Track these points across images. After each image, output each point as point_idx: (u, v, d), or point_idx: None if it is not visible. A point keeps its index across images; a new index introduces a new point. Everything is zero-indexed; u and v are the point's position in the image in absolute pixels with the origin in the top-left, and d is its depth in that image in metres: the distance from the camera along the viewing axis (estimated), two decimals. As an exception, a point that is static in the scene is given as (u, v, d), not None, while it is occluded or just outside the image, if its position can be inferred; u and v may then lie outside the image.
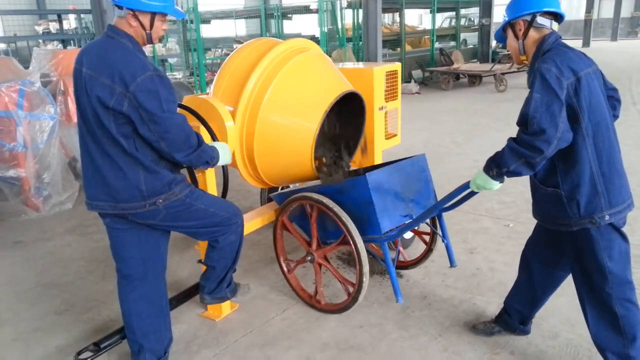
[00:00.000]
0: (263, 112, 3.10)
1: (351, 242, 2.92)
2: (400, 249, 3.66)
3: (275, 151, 3.19)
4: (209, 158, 2.55)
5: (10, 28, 13.66)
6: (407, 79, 14.08)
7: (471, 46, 18.79)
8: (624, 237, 2.30)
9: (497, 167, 2.28)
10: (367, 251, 3.16)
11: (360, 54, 13.18)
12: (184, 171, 2.70)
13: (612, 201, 2.22)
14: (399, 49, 14.64)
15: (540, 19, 2.32)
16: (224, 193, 3.01)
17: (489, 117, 9.31)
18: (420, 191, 3.22)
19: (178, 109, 2.77)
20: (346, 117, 3.62)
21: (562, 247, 2.46)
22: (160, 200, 2.44)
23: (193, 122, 2.84)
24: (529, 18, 2.33)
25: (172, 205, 2.49)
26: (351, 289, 3.06)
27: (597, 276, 2.29)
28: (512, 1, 2.40)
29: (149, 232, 2.60)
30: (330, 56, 12.95)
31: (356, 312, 3.21)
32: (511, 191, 5.36)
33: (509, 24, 2.41)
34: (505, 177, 2.30)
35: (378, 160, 4.14)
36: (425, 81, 14.63)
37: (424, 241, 3.56)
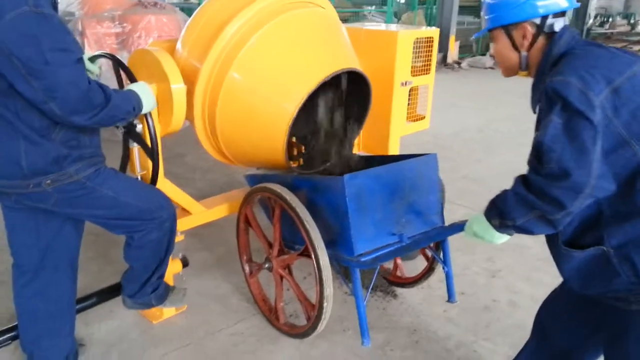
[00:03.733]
0: (232, 74, 2.41)
1: (312, 256, 2.25)
2: (399, 261, 2.94)
3: (240, 128, 2.52)
4: (125, 112, 1.98)
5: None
6: (482, 51, 12.79)
7: (565, 21, 16.88)
8: None
9: (499, 215, 1.52)
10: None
11: (433, 19, 12.05)
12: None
13: None
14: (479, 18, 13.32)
15: (554, 21, 1.58)
16: (154, 175, 2.38)
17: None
18: (421, 204, 2.46)
19: (96, 58, 2.18)
20: (353, 97, 2.85)
21: (599, 320, 1.66)
22: (48, 182, 1.86)
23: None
24: (538, 21, 1.58)
25: (65, 188, 1.91)
26: (311, 313, 2.40)
27: None
28: None
29: (48, 216, 2.05)
30: (399, 19, 11.93)
31: (322, 339, 2.55)
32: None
33: (503, 28, 1.64)
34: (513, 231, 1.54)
35: (394, 149, 3.38)
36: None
37: (425, 256, 2.82)
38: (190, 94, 2.44)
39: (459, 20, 12.02)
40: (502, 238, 1.57)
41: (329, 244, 2.28)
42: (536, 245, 3.63)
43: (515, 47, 1.64)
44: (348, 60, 2.58)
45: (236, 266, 3.21)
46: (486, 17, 1.69)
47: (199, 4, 8.58)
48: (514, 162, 5.33)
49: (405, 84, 3.27)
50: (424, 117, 3.61)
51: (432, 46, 3.41)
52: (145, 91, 2.12)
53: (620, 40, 12.12)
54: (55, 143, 1.85)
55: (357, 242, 2.23)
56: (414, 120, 3.54)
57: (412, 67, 3.29)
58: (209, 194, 4.41)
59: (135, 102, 2.02)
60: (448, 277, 2.56)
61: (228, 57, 2.42)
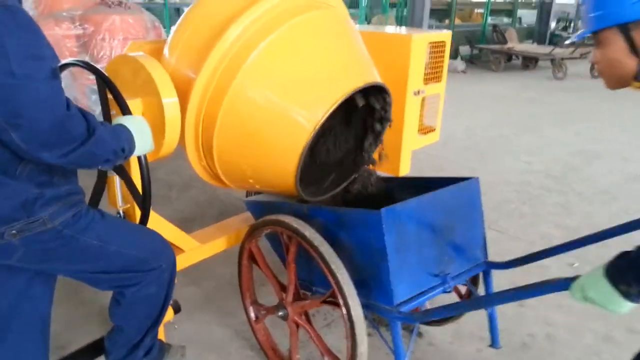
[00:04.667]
0: (236, 86, 1.99)
1: (342, 305, 1.85)
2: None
3: (244, 149, 2.09)
4: (112, 152, 1.48)
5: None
6: (452, 55, 12.66)
7: (526, 25, 17.06)
8: None
9: (636, 279, 1.18)
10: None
11: (403, 22, 11.83)
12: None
13: None
14: (447, 21, 13.19)
15: None
16: (143, 216, 1.92)
17: (544, 109, 7.97)
18: (464, 237, 2.11)
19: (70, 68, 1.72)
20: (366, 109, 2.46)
21: None
22: (13, 232, 1.41)
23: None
24: None
25: (36, 239, 1.45)
26: (339, 372, 2.00)
27: None
28: None
29: (12, 273, 1.58)
30: (369, 22, 11.65)
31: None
32: (575, 210, 4.18)
33: (619, 28, 1.29)
34: None
35: (405, 166, 3.02)
36: (473, 59, 13.16)
37: (458, 294, 2.47)
38: (181, 109, 2.01)
39: (429, 24, 11.85)
40: (628, 306, 1.23)
41: (359, 290, 1.89)
42: (555, 265, 3.35)
43: (635, 51, 1.30)
44: (371, 71, 2.20)
45: (230, 304, 2.79)
46: (592, 15, 1.34)
47: (164, 4, 8.03)
48: (510, 170, 5.09)
49: (418, 92, 2.92)
50: (434, 129, 3.27)
51: (444, 51, 3.07)
52: (140, 128, 1.65)
53: (582, 44, 12.20)
54: (21, 181, 1.39)
55: (397, 288, 1.85)
56: (425, 133, 3.19)
57: (425, 74, 2.94)
58: (191, 217, 3.97)
59: (126, 141, 1.55)
60: (492, 319, 2.21)
61: (232, 64, 1.98)
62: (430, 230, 1.98)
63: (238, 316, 2.61)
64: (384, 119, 2.35)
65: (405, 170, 3.05)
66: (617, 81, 1.39)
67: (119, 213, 2.01)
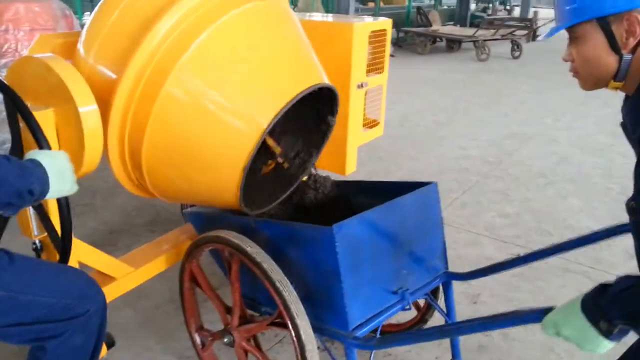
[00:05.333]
0: (169, 87, 1.71)
1: (290, 326, 1.67)
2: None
3: (178, 161, 1.83)
4: (15, 194, 1.17)
5: None
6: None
7: (447, 7, 17.41)
8: None
9: (620, 316, 1.05)
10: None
11: (330, 5, 11.66)
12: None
13: None
14: (371, 4, 13.17)
15: None
16: (64, 254, 1.62)
17: (471, 91, 8.09)
18: (422, 248, 1.97)
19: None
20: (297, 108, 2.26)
21: None
22: None
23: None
24: None
25: None
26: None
27: None
28: None
29: None
30: (295, 5, 11.38)
31: None
32: (514, 197, 4.21)
33: (598, 22, 1.18)
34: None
35: (351, 164, 2.86)
36: (399, 42, 13.24)
37: (417, 307, 2.35)
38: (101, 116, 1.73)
39: (355, 7, 11.77)
40: (606, 346, 1.10)
41: (310, 312, 1.71)
42: (501, 255, 3.33)
43: (615, 47, 1.18)
44: (318, 70, 1.99)
45: (173, 325, 2.54)
46: (567, 8, 1.21)
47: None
48: (447, 157, 5.08)
49: (362, 85, 2.75)
50: (379, 123, 3.12)
51: (385, 40, 2.92)
52: (59, 167, 1.31)
53: (502, 26, 12.58)
54: None
55: (352, 311, 1.68)
56: (370, 127, 3.04)
57: (368, 65, 2.78)
58: (119, 228, 3.60)
59: (37, 181, 1.23)
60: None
61: (162, 63, 1.71)
62: (387, 243, 1.82)
63: (183, 339, 2.36)
64: (331, 117, 2.16)
65: (351, 168, 2.90)
66: (594, 82, 1.28)
67: (34, 244, 1.71)
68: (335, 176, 2.55)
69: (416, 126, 6.19)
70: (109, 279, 1.95)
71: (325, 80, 1.98)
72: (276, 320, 1.77)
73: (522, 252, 3.37)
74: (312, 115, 2.18)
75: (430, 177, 4.51)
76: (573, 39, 1.25)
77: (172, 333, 2.48)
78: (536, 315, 1.24)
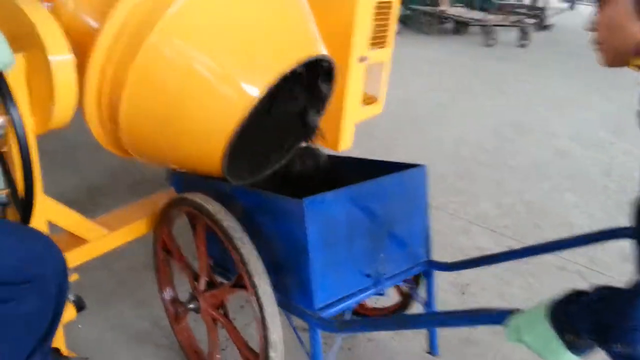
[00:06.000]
0: (152, 42, 1.58)
1: (248, 286, 1.58)
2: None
3: (159, 120, 1.70)
4: None
5: None
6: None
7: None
8: None
9: (590, 329, 0.95)
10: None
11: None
12: None
13: None
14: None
15: None
16: (25, 213, 1.49)
17: (476, 77, 7.94)
18: (404, 232, 1.88)
19: None
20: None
21: None
22: None
23: None
24: None
25: None
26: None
27: None
28: None
29: None
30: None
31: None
32: (509, 188, 4.12)
33: None
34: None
35: (347, 140, 2.74)
36: (405, 20, 12.96)
37: (399, 291, 2.26)
38: (78, 67, 1.60)
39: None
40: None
41: (278, 287, 1.63)
42: (494, 247, 3.25)
43: None
44: (317, 36, 1.86)
45: (145, 289, 2.45)
46: None
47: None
48: (444, 140, 4.97)
49: (363, 59, 2.62)
50: (377, 100, 3.00)
51: (390, 11, 2.77)
52: None
53: (512, 12, 12.34)
54: None
55: (318, 291, 1.60)
56: (368, 104, 2.92)
57: (371, 38, 2.64)
58: (101, 186, 3.49)
59: None
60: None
61: (147, 14, 1.59)
62: (365, 224, 1.73)
63: (157, 306, 2.27)
64: (328, 87, 2.04)
65: (346, 144, 2.78)
66: (614, 54, 1.15)
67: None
68: (328, 152, 2.44)
69: (417, 107, 6.06)
70: (81, 240, 1.85)
71: (324, 51, 1.85)
72: (239, 284, 1.68)
73: (513, 244, 3.31)
74: (303, 92, 2.06)
75: (426, 160, 4.34)
76: (599, 2, 1.13)
77: (146, 298, 2.40)
78: (498, 317, 1.14)
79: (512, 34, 11.53)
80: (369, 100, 2.94)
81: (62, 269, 1.42)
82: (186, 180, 2.01)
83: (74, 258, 1.80)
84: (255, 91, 1.62)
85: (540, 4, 15.00)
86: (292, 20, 1.79)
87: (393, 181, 1.80)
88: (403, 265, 1.89)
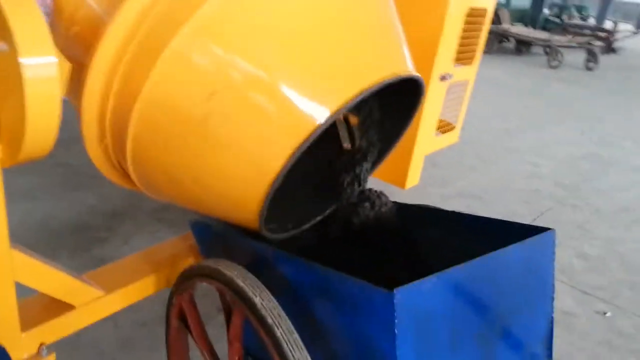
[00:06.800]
0: (184, 39, 1.10)
1: None
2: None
3: (174, 149, 1.20)
4: None
5: None
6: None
7: (516, 8, 16.23)
8: None
9: None
10: None
11: None
12: None
13: None
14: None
15: None
16: None
17: (542, 100, 7.26)
18: (522, 325, 1.31)
19: None
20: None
21: None
22: None
23: None
24: None
25: None
26: None
27: None
28: None
29: None
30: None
31: None
32: (595, 233, 3.48)
33: None
34: None
35: (414, 176, 2.21)
36: (462, 37, 12.33)
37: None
38: (80, 68, 1.14)
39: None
40: None
41: None
42: (583, 312, 2.63)
43: None
44: (405, 55, 1.33)
45: (157, 353, 1.97)
46: None
47: None
48: (515, 173, 4.35)
49: (445, 77, 2.09)
50: (454, 128, 2.45)
51: (483, 23, 2.23)
52: None
53: (578, 33, 11.56)
54: None
55: None
56: (443, 132, 2.37)
57: (457, 52, 2.11)
58: (122, 210, 3.03)
59: None
60: None
61: (174, 8, 1.10)
62: (473, 321, 1.18)
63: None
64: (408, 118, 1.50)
65: (413, 181, 2.25)
66: None
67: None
68: (391, 189, 1.92)
69: (479, 133, 5.45)
70: (64, 306, 1.36)
71: (413, 70, 1.32)
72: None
73: (605, 308, 2.68)
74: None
75: (495, 197, 3.83)
76: None
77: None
78: None
79: (578, 56, 10.74)
80: (443, 127, 2.40)
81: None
82: (213, 233, 1.51)
83: (53, 331, 1.32)
84: (321, 114, 1.11)
85: (606, 26, 14.13)
86: (376, 27, 1.27)
87: (513, 255, 1.24)
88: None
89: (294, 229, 1.47)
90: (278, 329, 1.09)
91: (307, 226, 1.51)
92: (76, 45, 1.23)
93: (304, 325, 1.13)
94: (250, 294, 1.14)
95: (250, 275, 1.19)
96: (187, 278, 1.37)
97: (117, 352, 1.98)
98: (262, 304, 1.12)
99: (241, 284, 1.16)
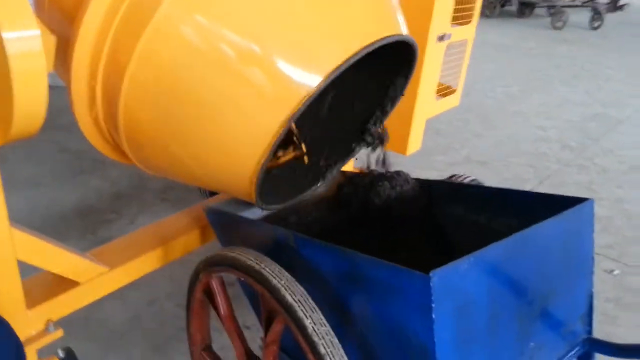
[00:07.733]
0: (165, 11, 1.08)
1: None
2: None
3: (167, 118, 1.19)
4: None
5: None
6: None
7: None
8: None
9: None
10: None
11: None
12: None
13: None
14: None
15: None
16: None
17: (547, 62, 7.14)
18: (562, 302, 1.28)
19: None
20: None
21: None
22: None
23: None
24: None
25: None
26: None
27: None
28: None
29: None
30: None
31: None
32: (602, 193, 3.45)
33: None
34: None
35: (416, 141, 2.18)
36: (464, 3, 12.11)
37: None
38: (66, 40, 1.13)
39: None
40: None
41: None
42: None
43: None
44: (396, 12, 1.30)
45: (164, 329, 1.98)
46: None
47: None
48: (521, 137, 4.30)
49: (443, 37, 2.05)
50: (455, 91, 2.41)
51: (479, -20, 2.18)
52: None
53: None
54: None
55: None
56: (443, 95, 2.34)
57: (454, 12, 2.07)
58: (128, 191, 3.04)
59: None
60: None
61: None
62: (512, 301, 1.14)
63: (178, 353, 1.79)
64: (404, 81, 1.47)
65: (415, 146, 2.23)
66: None
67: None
68: (394, 158, 1.89)
69: (484, 97, 5.38)
70: (68, 283, 1.37)
71: (405, 32, 1.29)
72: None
73: (616, 267, 2.67)
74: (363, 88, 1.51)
75: (501, 161, 3.80)
76: None
77: (165, 342, 1.92)
78: None
79: (582, 15, 10.52)
80: (443, 90, 2.36)
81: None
82: (229, 219, 1.49)
83: (59, 307, 1.33)
84: (312, 80, 1.09)
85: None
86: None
87: (552, 229, 1.18)
88: (558, 351, 1.30)
89: (287, 199, 1.46)
90: (321, 340, 1.04)
91: (301, 196, 1.49)
92: (61, 17, 1.21)
93: (332, 315, 1.09)
94: (301, 313, 1.06)
95: (299, 288, 1.12)
96: (222, 265, 1.29)
97: (127, 327, 2.00)
98: (313, 328, 1.04)
99: (290, 300, 1.08)
